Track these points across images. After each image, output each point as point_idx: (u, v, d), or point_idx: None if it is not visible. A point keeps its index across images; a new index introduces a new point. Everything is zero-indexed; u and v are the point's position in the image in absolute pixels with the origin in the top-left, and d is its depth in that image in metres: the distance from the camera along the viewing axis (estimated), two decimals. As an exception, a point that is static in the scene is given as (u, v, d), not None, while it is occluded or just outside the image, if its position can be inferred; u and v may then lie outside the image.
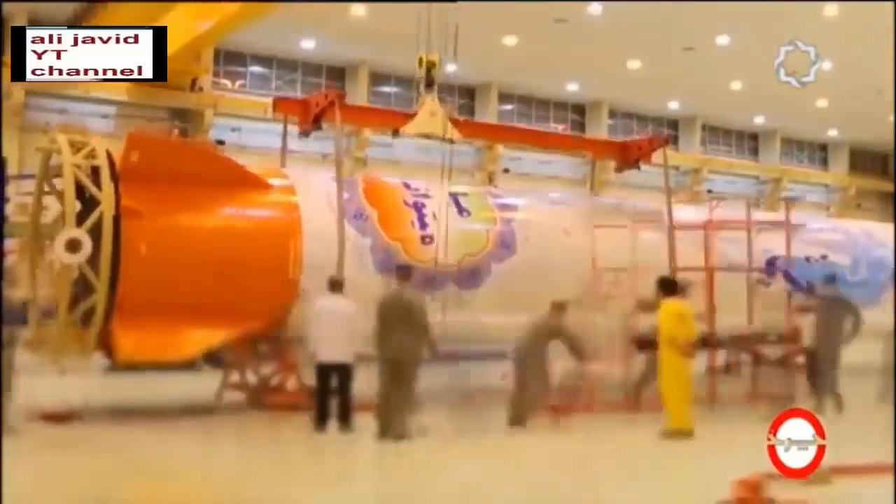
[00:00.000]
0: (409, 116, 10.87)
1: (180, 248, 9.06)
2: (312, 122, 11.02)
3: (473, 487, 6.53)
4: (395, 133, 11.18)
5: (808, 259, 13.95)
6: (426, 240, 10.40)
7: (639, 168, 13.62)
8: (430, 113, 10.40)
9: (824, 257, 14.25)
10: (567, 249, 11.43)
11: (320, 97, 11.08)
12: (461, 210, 10.97)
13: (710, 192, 30.09)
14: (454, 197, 11.10)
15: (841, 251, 14.57)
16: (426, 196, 10.91)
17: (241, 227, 9.59)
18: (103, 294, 8.61)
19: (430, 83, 10.41)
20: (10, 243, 10.98)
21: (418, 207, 10.62)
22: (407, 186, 11.18)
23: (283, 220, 9.83)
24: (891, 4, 14.38)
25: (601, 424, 9.39)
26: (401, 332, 7.97)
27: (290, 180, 10.36)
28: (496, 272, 10.75)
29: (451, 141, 10.75)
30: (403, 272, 8.55)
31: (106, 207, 8.62)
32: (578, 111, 30.42)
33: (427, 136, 10.62)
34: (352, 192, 10.48)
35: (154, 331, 8.67)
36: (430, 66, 10.34)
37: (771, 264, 13.31)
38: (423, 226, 10.49)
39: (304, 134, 11.29)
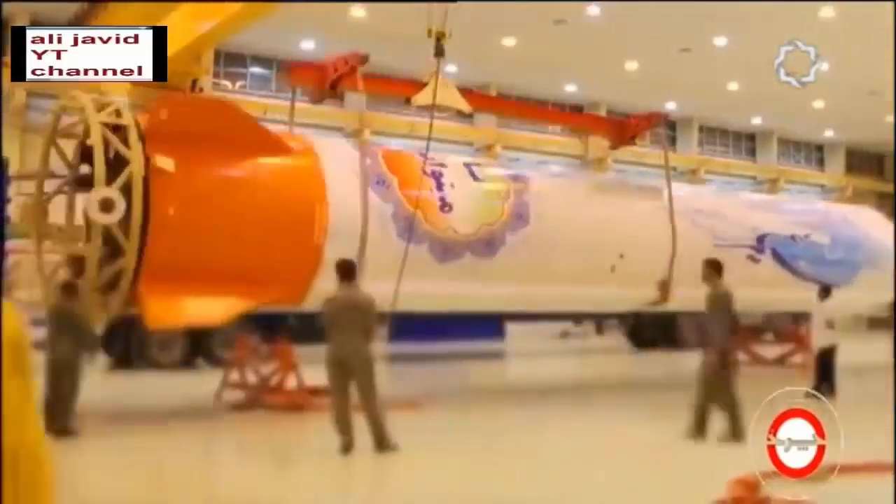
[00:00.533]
0: (421, 86, 10.59)
1: (209, 210, 8.80)
2: (330, 87, 10.63)
3: (470, 487, 6.55)
4: (407, 101, 11.03)
5: (793, 237, 14.35)
6: (445, 208, 10.39)
7: (635, 144, 13.69)
8: (442, 84, 10.21)
9: (807, 236, 14.64)
10: (576, 221, 11.55)
11: (340, 62, 10.58)
12: (476, 180, 11.00)
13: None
14: (469, 167, 11.13)
15: (822, 231, 15.01)
16: (442, 165, 10.90)
17: (269, 190, 9.27)
18: (132, 256, 8.35)
19: (439, 52, 10.24)
20: (12, 244, 11.01)
21: (436, 176, 10.56)
22: (422, 155, 10.99)
23: (308, 185, 9.54)
24: (886, 5, 14.43)
25: (599, 423, 9.40)
26: (350, 332, 7.26)
27: (311, 145, 10.12)
28: (510, 242, 10.72)
29: (462, 112, 10.74)
30: (349, 269, 7.65)
31: (135, 167, 8.34)
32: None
33: (438, 107, 10.49)
34: (373, 158, 10.32)
35: (181, 295, 8.48)
36: (440, 37, 10.21)
37: (760, 241, 13.68)
38: (443, 195, 10.46)
39: (318, 101, 11.06)
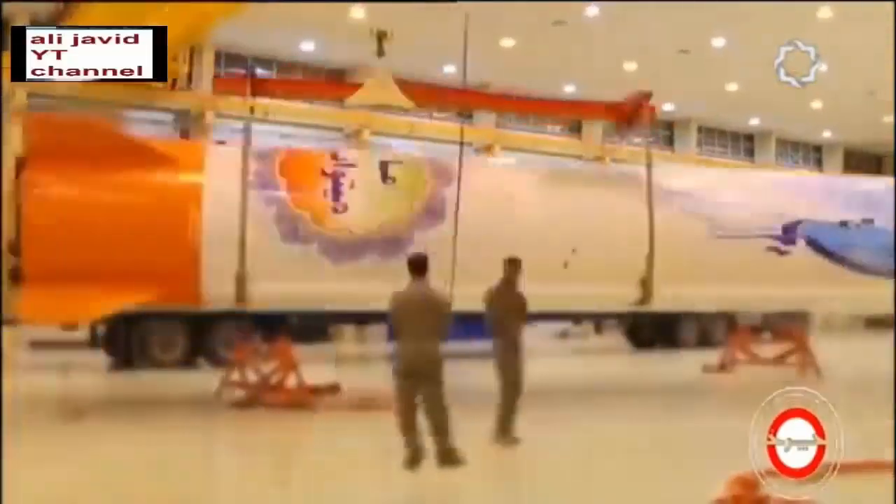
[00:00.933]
0: (357, 87, 10.64)
1: (78, 217, 9.54)
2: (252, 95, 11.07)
3: (469, 487, 6.58)
4: (343, 103, 11.03)
5: (844, 224, 11.85)
6: (338, 208, 10.29)
7: (631, 127, 12.45)
8: (379, 83, 10.15)
9: (868, 221, 11.92)
10: (511, 215, 10.63)
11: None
12: (386, 178, 10.67)
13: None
14: (385, 165, 10.83)
15: (888, 213, 11.96)
16: (350, 165, 10.74)
17: (139, 196, 9.89)
18: (3, 262, 9.41)
19: (380, 53, 10.19)
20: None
21: (336, 177, 10.47)
22: (334, 157, 11.02)
23: (182, 190, 10.02)
24: (885, 5, 14.47)
25: (597, 423, 9.43)
26: (420, 333, 6.71)
27: (201, 153, 10.64)
28: (420, 240, 10.22)
29: (406, 109, 10.60)
30: (418, 264, 7.05)
31: (6, 182, 9.46)
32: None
33: (376, 107, 10.44)
34: (265, 162, 10.52)
35: (57, 295, 9.16)
36: (381, 36, 10.25)
37: (790, 230, 11.70)
38: (337, 195, 10.36)
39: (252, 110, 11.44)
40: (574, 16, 21.18)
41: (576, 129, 30.91)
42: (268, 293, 9.88)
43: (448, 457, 6.68)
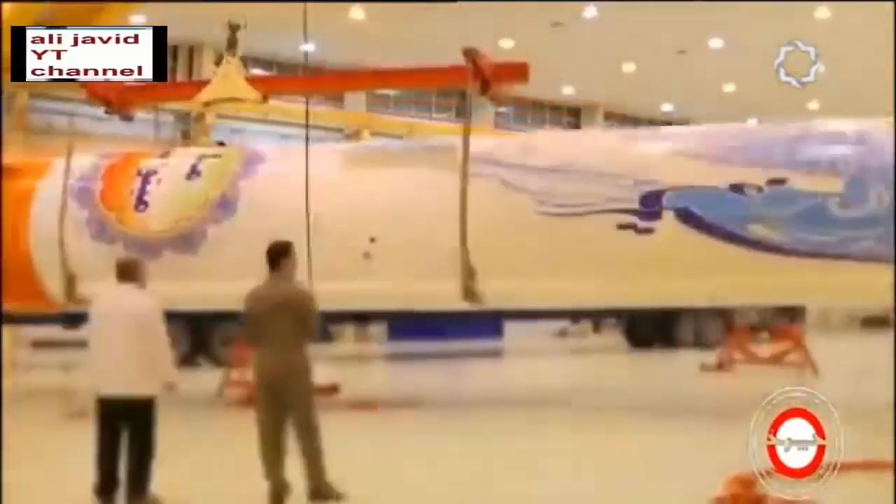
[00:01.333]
0: (204, 85, 10.39)
1: None
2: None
3: (467, 487, 6.60)
4: (197, 104, 11.13)
5: (739, 189, 8.72)
6: (140, 206, 10.37)
7: (488, 96, 10.37)
8: (224, 76, 9.80)
9: (778, 182, 8.72)
10: (301, 203, 8.34)
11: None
12: (193, 174, 10.50)
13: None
14: (193, 161, 10.73)
15: (823, 168, 8.89)
16: (166, 164, 10.80)
17: None
18: None
19: (230, 45, 9.90)
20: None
21: (146, 176, 10.53)
22: (163, 156, 11.14)
23: (14, 199, 10.62)
24: (883, 5, 14.51)
25: (596, 422, 9.45)
26: (281, 339, 5.69)
27: (46, 164, 11.06)
28: (213, 236, 9.98)
29: (255, 101, 10.20)
30: (276, 254, 5.89)
31: None
32: (573, 113, 30.61)
33: (228, 101, 10.31)
34: (92, 167, 10.88)
35: None
36: (233, 29, 10.08)
37: (651, 201, 8.84)
38: (142, 194, 10.43)
39: (125, 119, 11.46)
40: (573, 17, 21.23)
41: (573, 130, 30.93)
42: (85, 293, 10.26)
43: (320, 492, 5.79)
